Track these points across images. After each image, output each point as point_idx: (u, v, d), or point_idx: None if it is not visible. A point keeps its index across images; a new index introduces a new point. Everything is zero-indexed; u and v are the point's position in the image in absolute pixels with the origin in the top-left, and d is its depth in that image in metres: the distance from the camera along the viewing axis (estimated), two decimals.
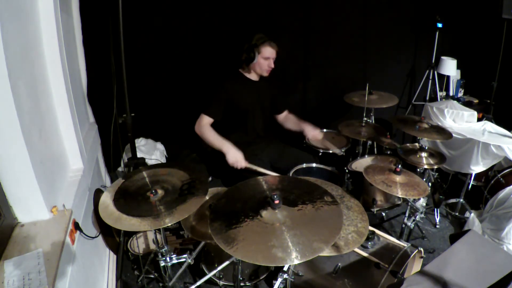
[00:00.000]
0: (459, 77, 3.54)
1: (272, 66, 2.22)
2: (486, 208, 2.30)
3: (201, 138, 2.23)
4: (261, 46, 2.14)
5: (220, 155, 2.17)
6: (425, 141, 2.44)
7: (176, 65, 2.70)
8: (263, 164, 2.22)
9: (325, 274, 1.53)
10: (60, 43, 1.57)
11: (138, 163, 2.18)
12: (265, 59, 2.17)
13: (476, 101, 3.39)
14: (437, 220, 2.52)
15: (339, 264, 1.50)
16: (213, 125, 2.24)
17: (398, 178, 1.72)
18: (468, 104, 3.25)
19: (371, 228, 1.54)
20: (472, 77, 3.52)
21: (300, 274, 1.58)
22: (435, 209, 2.54)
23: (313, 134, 2.42)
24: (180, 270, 1.79)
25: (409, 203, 1.90)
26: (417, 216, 1.93)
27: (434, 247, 2.29)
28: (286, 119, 2.55)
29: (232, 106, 2.22)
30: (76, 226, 1.41)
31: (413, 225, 1.94)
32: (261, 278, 1.92)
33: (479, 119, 2.77)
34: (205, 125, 2.19)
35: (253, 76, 2.29)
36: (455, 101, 2.92)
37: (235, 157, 2.08)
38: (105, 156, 2.52)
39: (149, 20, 2.51)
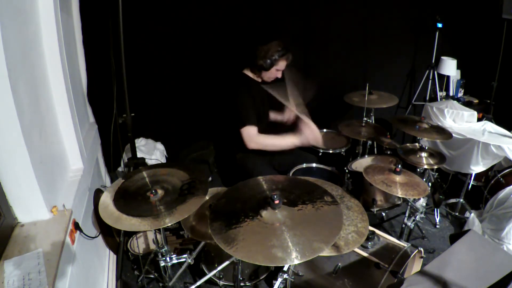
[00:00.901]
0: (459, 77, 3.54)
1: (280, 76, 2.18)
2: (486, 208, 2.30)
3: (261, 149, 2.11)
4: (279, 60, 2.10)
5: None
6: (425, 141, 2.44)
7: (176, 65, 2.70)
8: (263, 164, 2.22)
9: (325, 274, 1.53)
10: (60, 43, 1.57)
11: (138, 163, 2.18)
12: (277, 70, 2.16)
13: (476, 101, 3.39)
14: (437, 220, 2.52)
15: (339, 264, 1.50)
16: (229, 129, 2.21)
17: (398, 178, 1.72)
18: (468, 104, 3.25)
19: (371, 228, 1.54)
20: (472, 77, 3.52)
21: (300, 274, 1.58)
22: (435, 209, 2.54)
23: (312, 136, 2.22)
24: (180, 270, 1.79)
25: (409, 203, 1.90)
26: (417, 216, 1.93)
27: (434, 247, 2.29)
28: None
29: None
30: (76, 226, 1.41)
31: (413, 225, 1.94)
32: (261, 278, 1.92)
33: (479, 119, 2.77)
34: (254, 136, 2.07)
35: (256, 78, 2.28)
36: (455, 101, 2.92)
37: (309, 139, 2.01)
38: (105, 156, 2.52)
39: (149, 20, 2.51)
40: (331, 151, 2.45)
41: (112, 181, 2.63)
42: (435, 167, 2.08)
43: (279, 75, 2.19)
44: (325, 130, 2.79)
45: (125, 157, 2.37)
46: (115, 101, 2.10)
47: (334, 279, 1.50)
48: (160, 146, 2.79)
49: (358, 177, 2.00)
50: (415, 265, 1.62)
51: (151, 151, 2.61)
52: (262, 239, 1.11)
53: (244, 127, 2.06)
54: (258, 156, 2.24)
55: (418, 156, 2.07)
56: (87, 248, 1.63)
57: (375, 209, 1.94)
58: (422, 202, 1.94)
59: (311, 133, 2.04)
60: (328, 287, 1.51)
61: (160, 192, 1.40)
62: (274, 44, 2.10)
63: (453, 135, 2.30)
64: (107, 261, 2.04)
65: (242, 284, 1.87)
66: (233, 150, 2.31)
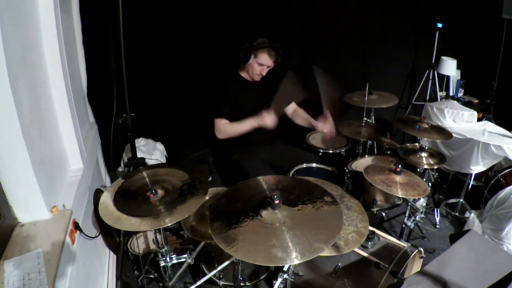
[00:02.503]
0: (459, 77, 3.54)
1: (264, 74, 2.19)
2: (486, 208, 2.30)
3: (229, 138, 2.23)
4: (259, 51, 2.10)
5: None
6: (425, 141, 2.44)
7: (176, 65, 2.70)
8: (261, 163, 2.22)
9: (325, 274, 1.53)
10: (60, 43, 1.57)
11: (138, 163, 2.18)
12: (259, 65, 2.14)
13: (476, 101, 3.39)
14: (437, 220, 2.52)
15: (339, 264, 1.50)
16: None
17: (398, 178, 1.71)
18: (468, 104, 3.25)
19: (371, 228, 1.54)
20: (472, 77, 3.52)
21: (300, 274, 1.58)
22: (435, 209, 2.54)
23: (328, 131, 2.24)
24: (180, 270, 1.79)
25: (409, 203, 1.90)
26: (417, 216, 1.93)
27: (434, 247, 2.29)
28: (295, 114, 2.46)
29: (234, 106, 2.22)
30: (76, 226, 1.41)
31: (413, 225, 1.94)
32: (261, 278, 1.92)
33: (479, 119, 2.77)
34: (223, 126, 2.19)
35: (246, 75, 2.28)
36: (455, 101, 2.92)
37: (267, 120, 2.07)
38: (105, 156, 2.52)
39: (149, 20, 2.51)
40: (331, 151, 2.45)
41: (112, 181, 2.63)
42: (435, 167, 2.07)
43: (264, 71, 2.18)
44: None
45: (125, 157, 2.37)
46: (115, 101, 2.10)
47: (334, 279, 1.50)
48: (160, 146, 2.78)
49: (358, 177, 2.00)
50: (415, 265, 1.62)
51: (151, 151, 2.61)
52: (262, 239, 1.11)
53: (216, 118, 2.19)
54: (254, 157, 2.24)
55: (418, 156, 2.07)
56: (87, 248, 1.63)
57: (375, 209, 1.94)
58: (422, 202, 1.95)
59: (267, 118, 2.08)
60: (328, 287, 1.51)
61: (160, 192, 1.40)
62: (258, 39, 2.13)
63: (453, 135, 2.30)
64: (107, 261, 2.04)
65: (242, 284, 1.87)
66: (228, 150, 2.32)
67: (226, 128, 2.19)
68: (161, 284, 1.96)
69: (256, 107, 2.31)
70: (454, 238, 1.23)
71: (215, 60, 2.71)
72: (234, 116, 2.24)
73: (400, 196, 1.65)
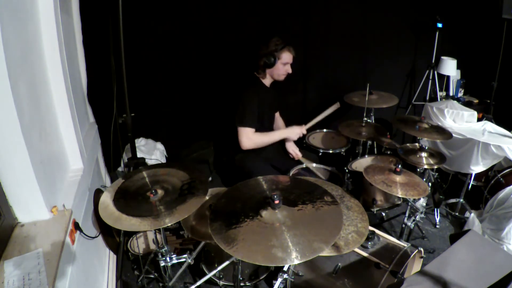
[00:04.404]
0: (459, 77, 3.54)
1: (290, 71, 2.21)
2: (486, 208, 2.30)
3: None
4: (281, 52, 2.13)
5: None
6: (425, 141, 2.44)
7: (176, 65, 2.70)
8: (263, 164, 2.22)
9: (325, 274, 1.53)
10: (60, 43, 1.57)
11: (138, 163, 2.18)
12: (284, 64, 2.17)
13: (476, 101, 3.38)
14: (437, 220, 2.52)
15: (339, 264, 1.50)
16: (228, 129, 2.24)
17: (398, 178, 1.71)
18: (468, 104, 3.25)
19: (371, 228, 1.54)
20: (472, 77, 3.52)
21: (300, 274, 1.58)
22: (435, 209, 2.54)
23: (293, 150, 2.38)
24: (180, 270, 1.79)
25: (409, 203, 1.90)
26: (417, 216, 1.93)
27: (434, 247, 2.29)
28: (275, 120, 2.57)
29: (258, 113, 2.21)
30: (76, 226, 1.41)
31: (413, 225, 1.94)
32: (261, 278, 1.92)
33: (479, 119, 2.77)
34: (251, 136, 2.15)
35: (266, 82, 2.29)
36: (455, 101, 2.92)
37: (295, 133, 2.25)
38: (105, 156, 2.52)
39: (149, 20, 2.51)
40: (331, 151, 2.45)
41: (112, 181, 2.62)
42: (435, 167, 2.07)
43: (289, 69, 2.21)
44: (325, 130, 2.79)
45: (125, 157, 2.37)
46: (115, 101, 2.10)
47: (334, 279, 1.50)
48: (160, 146, 2.78)
49: (358, 177, 2.00)
50: (415, 265, 1.62)
51: (151, 151, 2.61)
52: (262, 239, 1.11)
53: (244, 127, 2.12)
54: (257, 156, 2.24)
55: (418, 156, 2.07)
56: (87, 248, 1.63)
57: (375, 209, 1.94)
58: (422, 202, 1.94)
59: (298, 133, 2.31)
60: (328, 287, 1.51)
61: (160, 192, 1.40)
62: (273, 40, 2.14)
63: (453, 135, 2.30)
64: (107, 261, 2.04)
65: (242, 284, 1.87)
66: (232, 151, 2.32)
67: (255, 138, 2.16)
68: (161, 284, 1.96)
69: (271, 111, 2.34)
70: (454, 238, 1.23)
71: (215, 60, 2.71)
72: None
73: (400, 196, 1.65)
